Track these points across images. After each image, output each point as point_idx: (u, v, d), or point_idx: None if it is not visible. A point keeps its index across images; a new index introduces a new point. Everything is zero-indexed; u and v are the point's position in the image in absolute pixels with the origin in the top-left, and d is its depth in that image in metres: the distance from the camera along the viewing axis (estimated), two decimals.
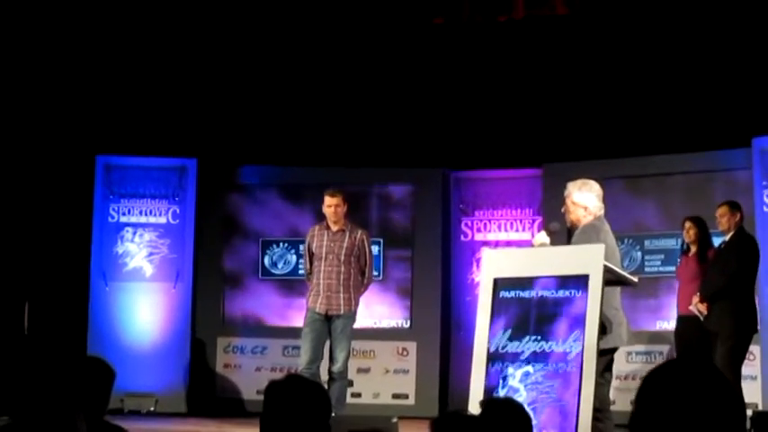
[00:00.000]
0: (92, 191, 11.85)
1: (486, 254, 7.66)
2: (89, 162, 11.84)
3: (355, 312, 9.34)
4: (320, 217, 9.58)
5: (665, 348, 10.53)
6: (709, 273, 9.22)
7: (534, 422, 4.99)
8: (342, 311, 9.19)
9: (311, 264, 9.43)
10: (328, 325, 9.22)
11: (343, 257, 9.26)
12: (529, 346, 6.76)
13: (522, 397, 6.43)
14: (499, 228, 12.03)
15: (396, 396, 11.70)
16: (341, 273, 9.24)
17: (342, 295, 9.21)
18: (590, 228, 7.12)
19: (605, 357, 6.91)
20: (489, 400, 5.34)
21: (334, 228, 9.31)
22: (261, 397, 3.57)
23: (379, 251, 12.01)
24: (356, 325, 11.68)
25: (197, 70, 12.22)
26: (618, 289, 7.09)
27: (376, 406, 11.48)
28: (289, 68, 12.30)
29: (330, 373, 9.11)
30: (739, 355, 8.94)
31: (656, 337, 10.81)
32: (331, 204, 9.29)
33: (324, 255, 9.28)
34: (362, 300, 9.52)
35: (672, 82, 11.26)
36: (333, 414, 8.31)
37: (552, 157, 11.44)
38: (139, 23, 11.87)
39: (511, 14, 11.57)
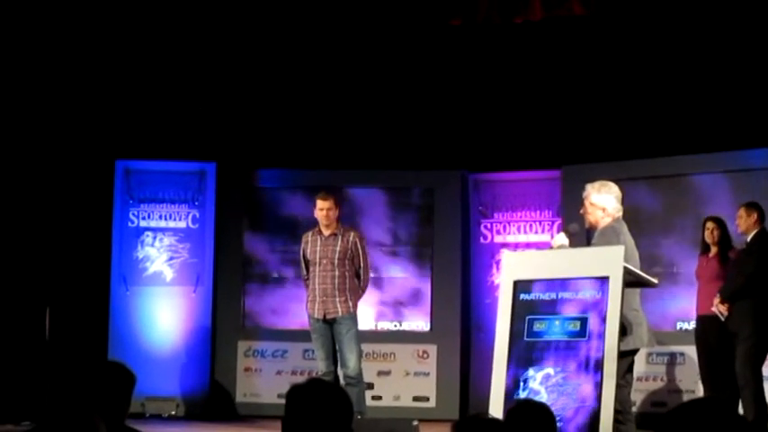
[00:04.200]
0: (111, 195, 11.87)
1: (505, 256, 7.66)
2: (108, 167, 11.87)
3: (355, 314, 9.34)
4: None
5: (685, 349, 10.48)
6: (729, 273, 9.21)
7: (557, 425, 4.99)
8: (339, 314, 9.20)
9: (308, 270, 9.45)
10: (331, 328, 9.24)
11: (336, 261, 9.27)
12: (549, 348, 6.76)
13: (542, 399, 6.42)
14: (518, 230, 12.01)
15: (416, 399, 11.69)
16: (335, 277, 9.25)
17: (338, 299, 9.22)
18: (609, 230, 7.12)
19: (626, 359, 6.90)
20: (516, 403, 5.32)
21: (327, 232, 9.32)
22: (282, 400, 3.57)
23: (398, 254, 12.05)
24: (376, 328, 11.77)
25: (216, 75, 12.24)
26: (638, 290, 7.08)
27: (397, 409, 11.47)
28: (307, 71, 12.30)
29: (345, 378, 9.13)
30: (760, 355, 8.93)
31: (676, 338, 10.76)
32: (323, 208, 9.30)
33: (318, 260, 9.30)
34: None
35: (691, 82, 11.22)
36: (358, 417, 8.35)
37: (571, 159, 11.42)
38: (158, 29, 11.89)
39: (528, 15, 11.54)
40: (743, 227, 9.25)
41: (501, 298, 7.16)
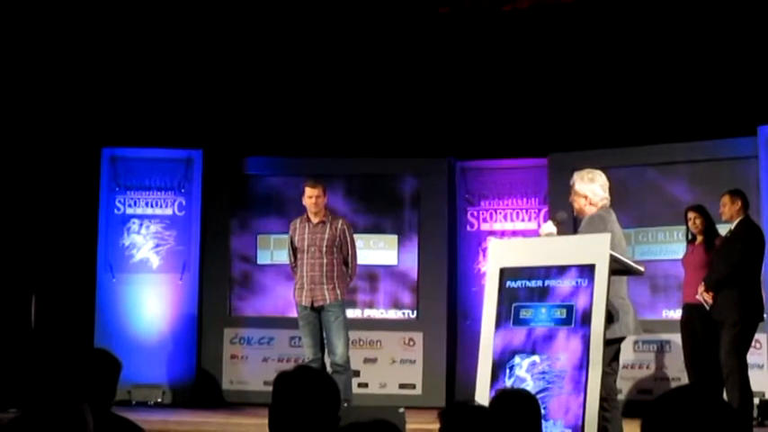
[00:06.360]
0: (98, 183, 11.85)
1: (492, 244, 7.66)
2: (95, 154, 11.85)
3: (343, 302, 9.36)
4: None
5: (672, 337, 10.51)
6: (714, 262, 9.21)
7: (542, 412, 5.00)
8: (327, 301, 9.22)
9: (295, 257, 9.45)
10: (319, 316, 9.25)
11: (324, 249, 9.28)
12: (535, 335, 6.76)
13: (528, 387, 6.43)
14: (505, 218, 12.02)
15: (403, 386, 11.70)
16: (323, 264, 9.27)
17: (325, 286, 9.24)
18: (597, 218, 7.12)
19: (612, 347, 6.90)
20: (500, 391, 5.34)
21: (315, 219, 9.33)
22: (268, 388, 3.57)
23: (384, 242, 12.05)
24: (363, 315, 11.78)
25: (202, 61, 12.22)
26: (624, 278, 7.08)
27: (383, 396, 11.49)
28: (294, 59, 12.29)
29: (332, 365, 9.14)
30: (745, 343, 8.93)
31: (663, 326, 10.79)
32: (312, 195, 9.31)
33: (306, 247, 9.31)
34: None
35: (678, 70, 11.24)
36: (345, 404, 8.35)
37: (558, 147, 11.43)
38: (144, 16, 11.86)
39: (515, 3, 11.55)
40: (727, 215, 9.24)
41: (487, 285, 7.16)
